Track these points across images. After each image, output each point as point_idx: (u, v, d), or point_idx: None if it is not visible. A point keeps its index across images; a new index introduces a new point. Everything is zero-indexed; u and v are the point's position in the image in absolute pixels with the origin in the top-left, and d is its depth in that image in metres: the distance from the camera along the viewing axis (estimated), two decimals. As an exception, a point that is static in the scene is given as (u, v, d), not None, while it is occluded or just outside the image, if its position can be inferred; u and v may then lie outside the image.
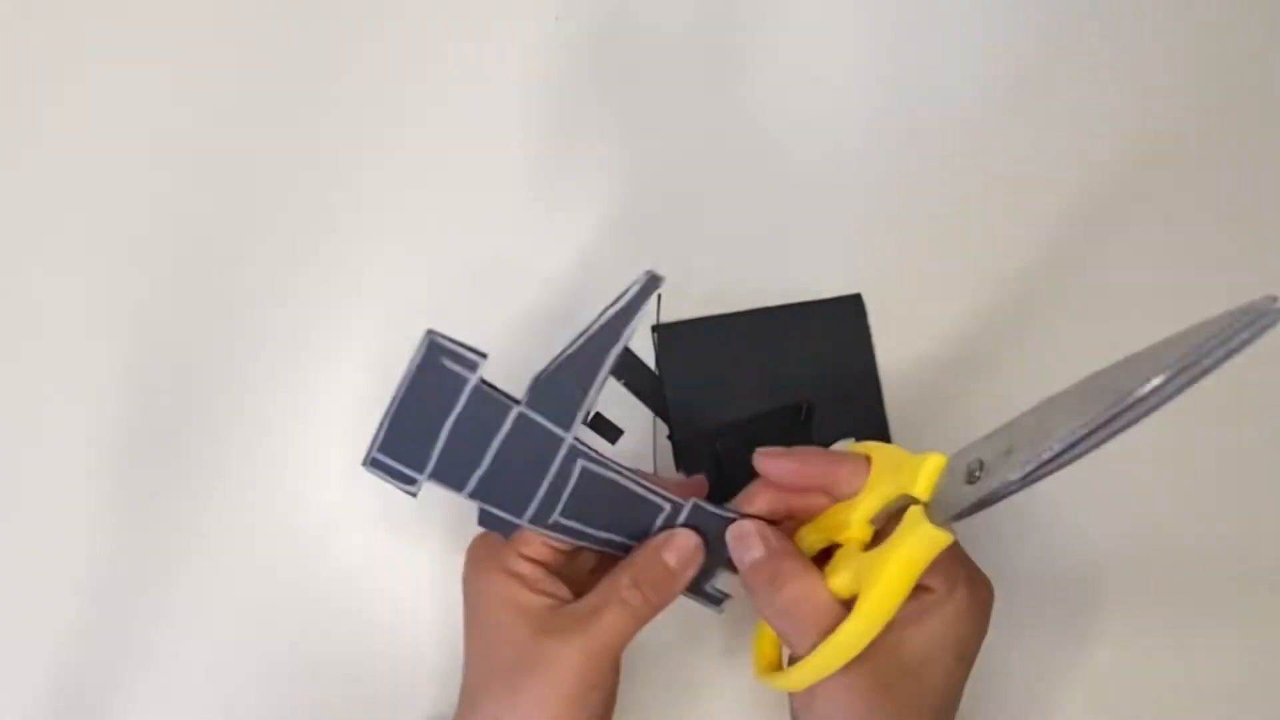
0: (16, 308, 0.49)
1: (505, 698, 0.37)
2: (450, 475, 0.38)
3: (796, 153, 0.51)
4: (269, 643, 0.47)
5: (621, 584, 0.38)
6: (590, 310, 0.37)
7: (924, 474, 0.36)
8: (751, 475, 0.47)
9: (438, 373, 0.36)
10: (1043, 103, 0.52)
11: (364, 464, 0.37)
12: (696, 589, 0.42)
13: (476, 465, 0.38)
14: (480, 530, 0.39)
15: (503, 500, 0.39)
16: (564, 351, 0.37)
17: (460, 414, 0.37)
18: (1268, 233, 0.51)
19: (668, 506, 0.40)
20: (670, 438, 0.48)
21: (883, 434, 0.49)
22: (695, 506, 0.40)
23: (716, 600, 0.42)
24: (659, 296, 0.49)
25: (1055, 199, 0.51)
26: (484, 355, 0.36)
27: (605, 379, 0.37)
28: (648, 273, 0.37)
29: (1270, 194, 0.51)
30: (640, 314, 0.37)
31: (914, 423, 0.49)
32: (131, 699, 0.46)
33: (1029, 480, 0.32)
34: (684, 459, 0.48)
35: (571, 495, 0.39)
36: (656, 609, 0.39)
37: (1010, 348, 0.50)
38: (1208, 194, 0.51)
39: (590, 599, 0.38)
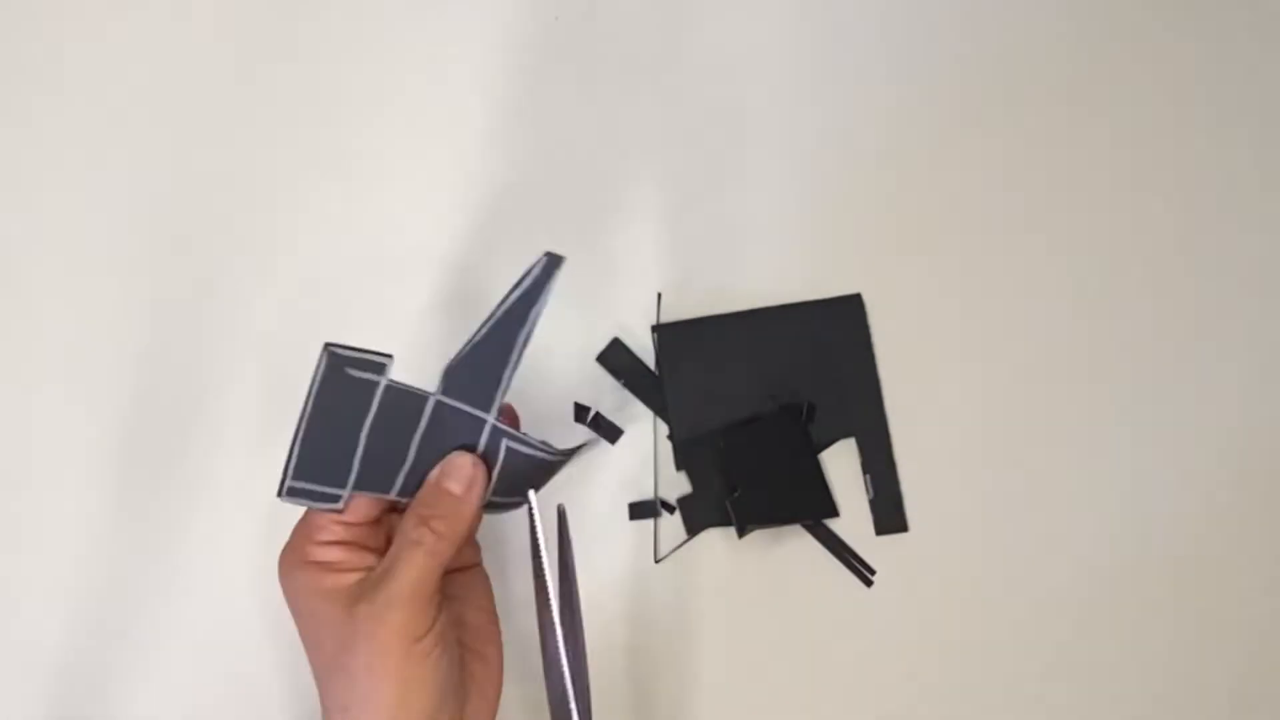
0: (16, 308, 0.49)
1: (343, 685, 0.36)
2: (375, 481, 0.38)
3: (796, 152, 0.51)
4: (269, 637, 0.47)
5: (409, 526, 0.37)
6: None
7: None
8: (754, 475, 0.47)
9: (344, 384, 0.36)
10: (1044, 102, 0.52)
11: (280, 495, 0.37)
12: (498, 505, 0.40)
13: (400, 464, 0.38)
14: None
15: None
16: (472, 338, 0.37)
17: (375, 418, 0.37)
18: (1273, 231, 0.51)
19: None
20: (670, 438, 0.48)
21: (883, 434, 0.49)
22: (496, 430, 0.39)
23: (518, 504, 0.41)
24: (659, 296, 0.49)
25: (1056, 198, 0.51)
26: (389, 356, 0.37)
27: (518, 360, 0.37)
28: (547, 254, 0.37)
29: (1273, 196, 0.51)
30: (545, 296, 0.37)
31: (914, 422, 0.49)
32: (131, 692, 0.47)
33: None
34: (684, 459, 0.48)
35: (501, 474, 0.39)
36: (453, 540, 0.38)
37: (1010, 348, 0.50)
38: (1212, 193, 0.51)
39: (388, 555, 0.38)
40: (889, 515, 0.48)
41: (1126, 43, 0.52)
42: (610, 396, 0.49)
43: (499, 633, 0.42)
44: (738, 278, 0.50)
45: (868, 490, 0.48)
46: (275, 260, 0.50)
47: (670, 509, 0.48)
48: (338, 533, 0.38)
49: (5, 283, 0.50)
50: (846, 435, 0.49)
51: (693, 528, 0.48)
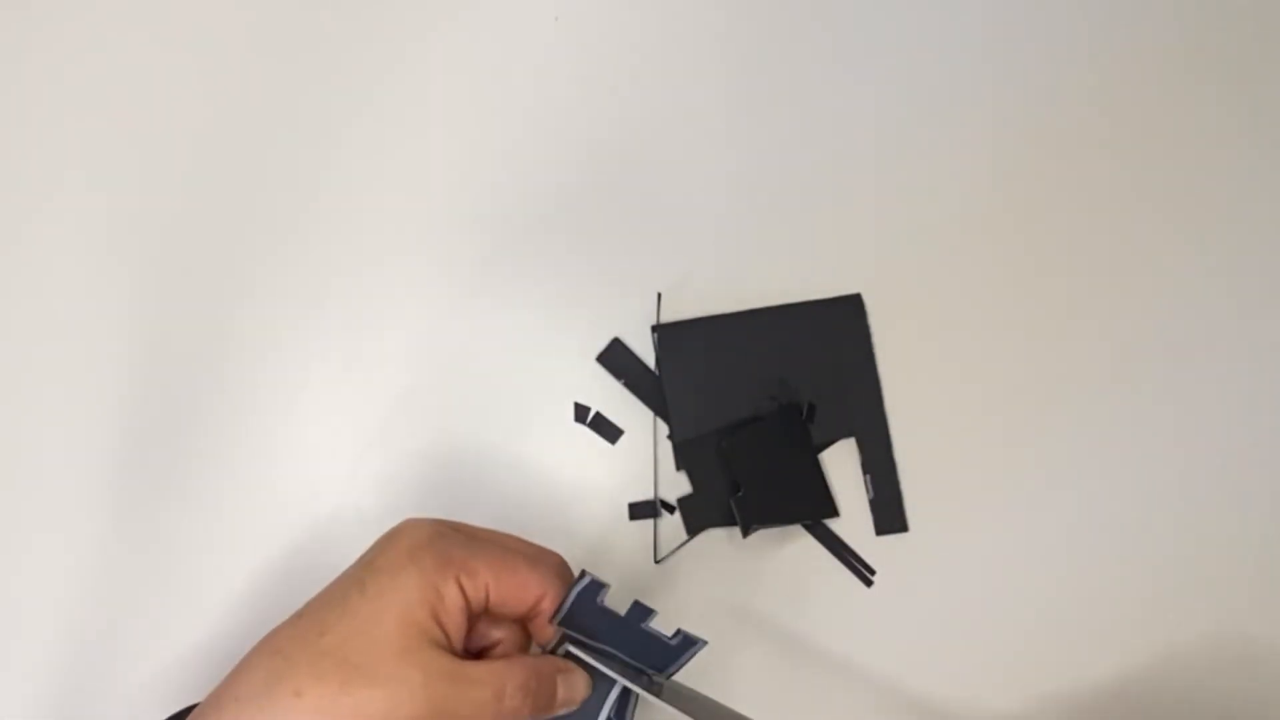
0: (22, 310, 0.49)
1: (328, 689, 0.34)
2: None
3: (797, 153, 0.51)
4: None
5: (513, 680, 0.37)
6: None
7: None
8: (754, 476, 0.47)
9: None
10: (1044, 102, 0.52)
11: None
12: None
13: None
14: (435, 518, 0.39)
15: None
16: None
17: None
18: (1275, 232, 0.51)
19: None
20: (670, 438, 0.48)
21: (883, 433, 0.49)
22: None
23: None
24: (659, 296, 0.49)
25: (1056, 198, 0.51)
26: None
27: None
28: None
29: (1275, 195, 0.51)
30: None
31: (914, 422, 0.49)
32: (134, 693, 0.47)
33: None
34: (684, 459, 0.48)
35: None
36: (520, 718, 0.37)
37: (1011, 348, 0.50)
38: (1209, 194, 0.51)
39: (478, 670, 0.36)
40: (889, 515, 0.48)
41: (1129, 45, 0.52)
42: (610, 396, 0.49)
43: None
44: (738, 278, 0.50)
45: (868, 490, 0.48)
46: (272, 264, 0.50)
47: (670, 509, 0.48)
48: (475, 591, 0.37)
49: (7, 282, 0.50)
50: (846, 435, 0.49)
51: (693, 528, 0.48)
